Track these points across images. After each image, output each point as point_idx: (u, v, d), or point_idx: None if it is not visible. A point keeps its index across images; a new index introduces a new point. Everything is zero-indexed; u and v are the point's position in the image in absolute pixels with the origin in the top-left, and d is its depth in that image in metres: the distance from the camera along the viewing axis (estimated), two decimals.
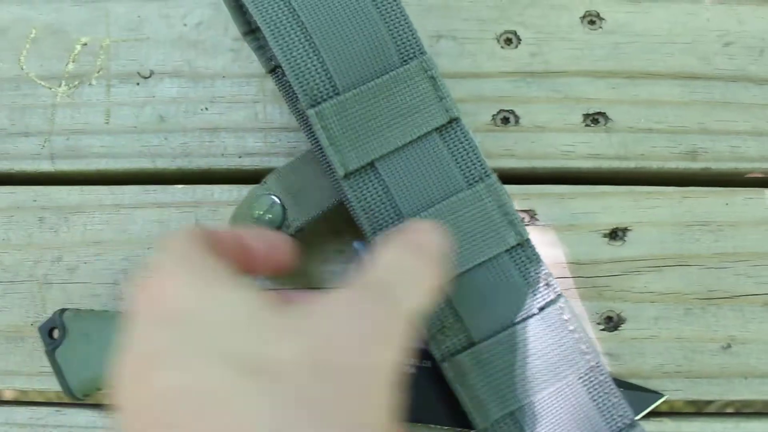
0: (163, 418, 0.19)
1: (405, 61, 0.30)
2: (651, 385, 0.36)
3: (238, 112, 0.40)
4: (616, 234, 0.38)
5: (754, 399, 0.37)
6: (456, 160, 0.30)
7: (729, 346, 0.37)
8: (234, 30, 0.41)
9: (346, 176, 0.30)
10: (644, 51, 0.40)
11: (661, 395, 0.36)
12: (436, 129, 0.30)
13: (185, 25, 0.42)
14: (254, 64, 0.40)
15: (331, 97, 0.29)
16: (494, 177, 0.31)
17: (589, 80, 0.40)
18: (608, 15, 0.41)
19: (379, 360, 0.21)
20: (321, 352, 0.20)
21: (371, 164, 0.30)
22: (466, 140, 0.31)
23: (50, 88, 0.41)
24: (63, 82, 0.41)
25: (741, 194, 0.38)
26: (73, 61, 0.42)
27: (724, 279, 0.38)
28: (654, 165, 0.39)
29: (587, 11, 0.41)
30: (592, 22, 0.41)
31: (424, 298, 0.24)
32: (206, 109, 0.40)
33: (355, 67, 0.29)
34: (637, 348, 0.37)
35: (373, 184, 0.30)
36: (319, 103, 0.29)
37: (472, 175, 0.31)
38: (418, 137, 0.30)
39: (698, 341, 0.37)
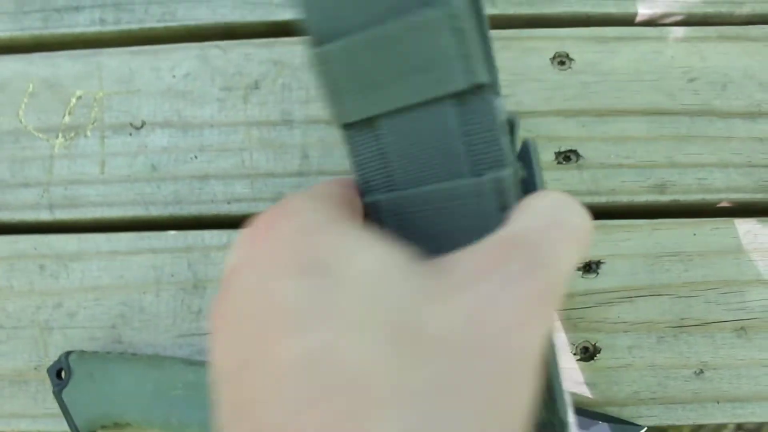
0: (298, 390, 0.15)
1: (427, 4, 0.23)
2: (627, 412, 0.38)
3: (226, 160, 0.42)
4: (590, 267, 0.40)
5: (727, 422, 0.38)
6: (466, 137, 0.24)
7: (701, 371, 0.39)
8: (220, 80, 0.43)
9: (345, 127, 0.25)
10: (613, 89, 0.42)
11: (642, 427, 0.37)
12: (454, 95, 0.24)
13: (174, 76, 0.44)
14: (240, 112, 0.42)
15: (337, 38, 0.24)
16: (509, 170, 0.24)
17: (561, 119, 0.42)
18: (577, 55, 0.43)
19: (532, 339, 0.17)
20: (477, 326, 0.17)
21: (370, 120, 0.25)
22: (487, 116, 0.24)
23: (48, 140, 0.43)
24: (60, 134, 0.44)
25: (708, 224, 0.40)
26: (69, 114, 0.44)
27: (694, 307, 0.39)
28: (624, 199, 0.41)
29: (557, 52, 0.43)
30: (561, 63, 0.43)
31: (576, 262, 0.20)
32: (195, 157, 0.42)
33: (368, 8, 0.24)
34: (612, 377, 0.39)
35: (369, 143, 0.26)
36: (324, 43, 0.24)
37: (479, 160, 0.24)
38: (428, 101, 0.24)
39: (671, 368, 0.39)
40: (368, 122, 0.25)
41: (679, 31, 0.43)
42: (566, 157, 0.41)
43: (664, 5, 0.44)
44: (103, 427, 0.38)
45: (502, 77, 0.42)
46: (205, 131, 0.42)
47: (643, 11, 0.44)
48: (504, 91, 0.42)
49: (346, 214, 0.20)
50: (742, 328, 0.39)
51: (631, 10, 0.44)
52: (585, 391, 0.38)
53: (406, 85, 0.24)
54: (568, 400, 0.24)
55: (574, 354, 0.39)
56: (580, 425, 0.37)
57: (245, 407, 0.16)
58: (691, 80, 0.42)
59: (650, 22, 0.44)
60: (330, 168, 0.41)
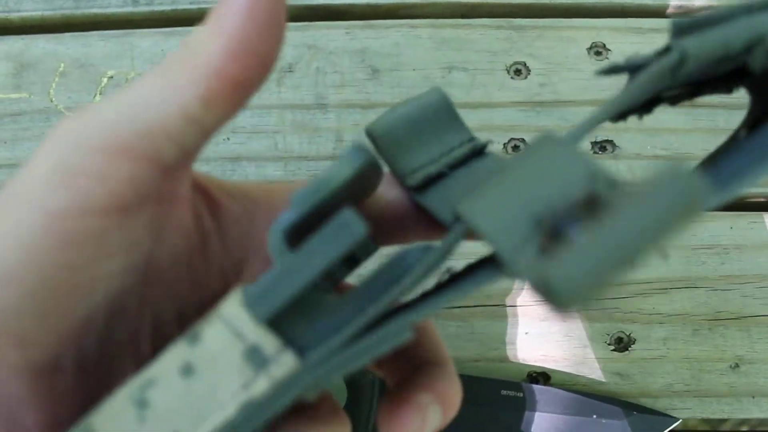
0: None
1: None
2: (661, 403, 0.37)
3: (259, 142, 0.42)
4: None
5: (763, 418, 0.38)
6: None
7: (737, 365, 0.38)
8: None
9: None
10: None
11: (676, 419, 0.37)
12: None
13: None
14: (274, 95, 0.42)
15: None
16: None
17: (571, 128, 0.41)
18: (614, 46, 0.42)
19: None
20: None
21: None
22: None
23: None
24: None
25: (745, 218, 0.40)
26: (100, 94, 0.44)
27: (730, 300, 0.39)
28: None
29: (593, 42, 0.42)
30: (598, 53, 0.42)
31: None
32: (228, 139, 0.42)
33: None
34: (646, 368, 0.38)
35: None
36: None
37: None
38: None
39: (706, 361, 0.38)
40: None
41: None
42: (602, 147, 0.41)
43: None
44: None
45: (539, 65, 0.42)
46: (214, 135, 0.42)
47: (679, 2, 0.44)
48: (540, 80, 0.42)
49: None
50: None
51: (666, 1, 0.44)
52: (619, 382, 0.38)
53: None
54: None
55: (608, 344, 0.38)
56: (616, 416, 0.36)
57: None
58: None
59: (686, 14, 0.44)
60: None
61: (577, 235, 0.15)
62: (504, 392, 0.37)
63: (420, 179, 0.19)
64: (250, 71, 0.16)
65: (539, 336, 0.38)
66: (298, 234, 0.17)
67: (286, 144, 0.42)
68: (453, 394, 0.20)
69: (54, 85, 0.44)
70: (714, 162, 0.19)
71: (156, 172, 0.17)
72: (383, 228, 0.20)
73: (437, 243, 0.16)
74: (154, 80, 0.17)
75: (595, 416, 0.36)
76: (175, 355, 0.17)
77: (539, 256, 0.15)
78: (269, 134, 0.42)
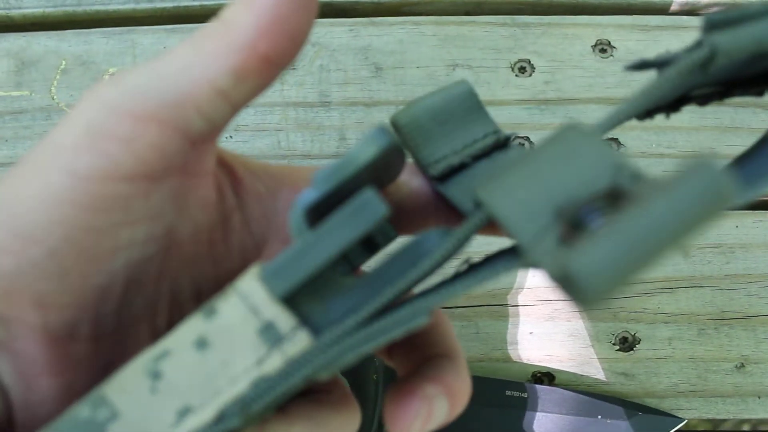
0: None
1: None
2: (666, 404, 0.37)
3: (261, 140, 0.41)
4: None
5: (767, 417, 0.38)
6: None
7: (742, 365, 0.38)
8: None
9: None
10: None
11: (682, 419, 0.37)
12: None
13: None
14: (276, 93, 0.42)
15: None
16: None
17: (601, 107, 0.41)
18: (619, 43, 0.42)
19: None
20: None
21: None
22: None
23: None
24: None
25: (751, 217, 0.39)
26: None
27: (736, 299, 0.39)
28: None
29: (598, 40, 0.42)
30: (603, 51, 0.42)
31: None
32: (230, 137, 0.41)
33: None
34: (651, 368, 0.38)
35: None
36: None
37: None
38: None
39: (712, 361, 0.38)
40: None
41: None
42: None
43: None
44: None
45: (543, 63, 0.42)
46: (241, 111, 0.42)
47: (685, 0, 0.43)
48: (544, 77, 0.42)
49: None
50: None
51: None
52: (624, 382, 0.38)
53: None
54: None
55: (613, 344, 0.38)
56: (621, 416, 0.36)
57: None
58: None
59: (692, 12, 0.44)
60: None
61: (598, 226, 0.14)
62: (508, 392, 0.36)
63: (442, 169, 0.19)
64: (281, 47, 0.16)
65: (544, 336, 0.38)
66: (320, 213, 0.17)
67: (289, 142, 0.41)
68: (461, 388, 0.20)
69: (55, 82, 0.44)
70: (744, 161, 0.19)
71: (183, 143, 0.17)
72: (404, 216, 0.20)
73: (456, 228, 0.16)
74: (185, 51, 0.17)
75: (599, 417, 0.36)
76: (190, 328, 0.17)
77: (559, 245, 0.15)
78: (272, 132, 0.41)
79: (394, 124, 0.19)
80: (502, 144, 0.19)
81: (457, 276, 0.17)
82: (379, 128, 0.17)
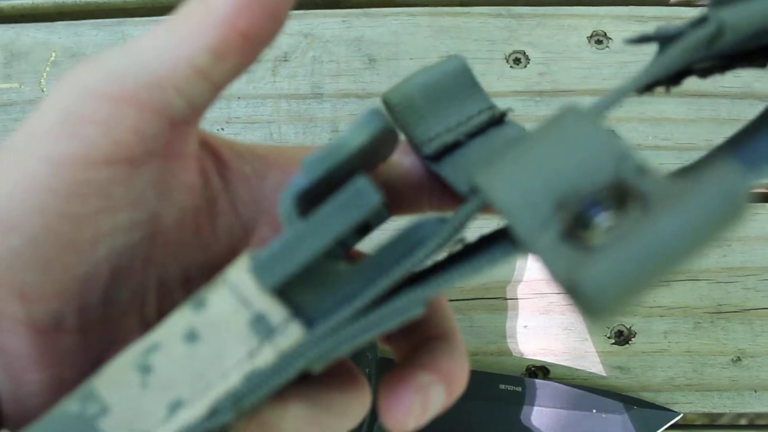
0: None
1: None
2: (662, 398, 0.37)
3: (253, 132, 0.41)
4: None
5: (765, 412, 0.37)
6: None
7: (739, 359, 0.38)
8: None
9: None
10: None
11: (677, 413, 0.36)
12: None
13: None
14: (268, 84, 0.41)
15: None
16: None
17: (597, 99, 0.41)
18: (615, 34, 0.42)
19: None
20: None
21: None
22: None
23: None
24: None
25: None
26: None
27: (732, 293, 0.38)
28: None
29: (594, 31, 0.42)
30: (599, 42, 0.42)
31: None
32: (222, 129, 0.41)
33: None
34: (647, 361, 0.38)
35: None
36: None
37: None
38: None
39: (708, 354, 0.38)
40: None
41: None
42: None
43: None
44: None
45: (539, 54, 0.41)
46: (233, 103, 0.41)
47: None
48: (539, 69, 0.41)
49: None
50: None
51: None
52: (619, 376, 0.37)
53: None
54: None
55: (608, 338, 0.38)
56: (616, 410, 0.36)
57: None
58: None
59: (689, 2, 0.43)
60: None
61: (603, 223, 0.14)
62: (502, 386, 0.36)
63: (436, 148, 0.18)
64: (261, 24, 0.16)
65: (538, 329, 0.38)
66: (310, 199, 0.16)
67: (281, 134, 0.41)
68: (458, 372, 0.19)
69: (45, 74, 0.43)
70: (741, 142, 0.19)
71: (163, 125, 0.16)
72: (397, 196, 0.20)
73: (452, 215, 0.16)
74: (162, 32, 0.16)
75: (594, 410, 0.36)
76: (179, 320, 0.16)
77: (561, 240, 0.14)
78: (264, 124, 0.41)
79: (386, 102, 0.18)
80: (498, 120, 0.19)
81: (452, 259, 0.17)
82: (372, 111, 0.16)
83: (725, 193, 0.13)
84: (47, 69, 0.43)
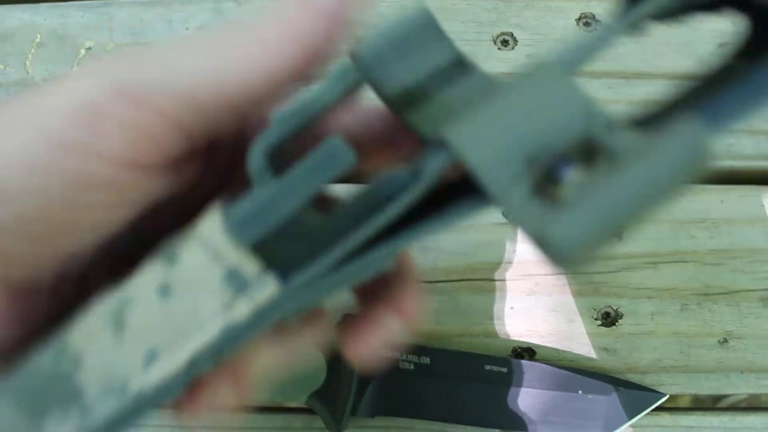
0: None
1: None
2: (648, 379, 0.37)
3: None
4: None
5: (752, 393, 0.37)
6: None
7: (726, 341, 0.38)
8: None
9: None
10: (639, 52, 0.41)
11: (663, 395, 0.36)
12: None
13: (187, 29, 0.42)
14: None
15: None
16: None
17: (585, 81, 0.40)
18: (603, 17, 0.41)
19: None
20: None
21: None
22: None
23: None
24: None
25: (736, 191, 0.39)
26: (78, 65, 0.43)
27: (720, 275, 0.38)
28: None
29: (582, 13, 0.42)
30: (587, 24, 0.41)
31: None
32: None
33: None
34: (634, 343, 0.37)
35: None
36: None
37: None
38: None
39: (695, 336, 0.38)
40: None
41: None
42: None
43: None
44: None
45: (526, 36, 0.41)
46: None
47: None
48: (527, 50, 0.41)
49: None
50: None
51: None
52: (606, 357, 0.37)
53: None
54: None
55: (595, 319, 0.38)
56: (602, 391, 0.35)
57: None
58: (721, 45, 0.41)
59: None
60: None
61: (571, 179, 0.14)
62: (488, 367, 0.36)
63: (404, 98, 0.18)
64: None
65: (525, 311, 0.38)
66: (280, 154, 0.16)
67: None
68: (411, 303, 0.20)
69: (30, 56, 0.43)
70: (703, 98, 0.19)
71: (182, 140, 0.16)
72: (364, 145, 0.20)
73: (423, 169, 0.16)
74: (204, 50, 0.16)
75: (581, 392, 0.35)
76: (151, 274, 0.17)
77: (531, 196, 0.15)
78: None
79: (353, 55, 0.18)
80: (465, 69, 0.19)
81: (420, 209, 0.17)
82: (344, 66, 0.16)
83: (688, 150, 0.14)
84: (32, 51, 0.43)
